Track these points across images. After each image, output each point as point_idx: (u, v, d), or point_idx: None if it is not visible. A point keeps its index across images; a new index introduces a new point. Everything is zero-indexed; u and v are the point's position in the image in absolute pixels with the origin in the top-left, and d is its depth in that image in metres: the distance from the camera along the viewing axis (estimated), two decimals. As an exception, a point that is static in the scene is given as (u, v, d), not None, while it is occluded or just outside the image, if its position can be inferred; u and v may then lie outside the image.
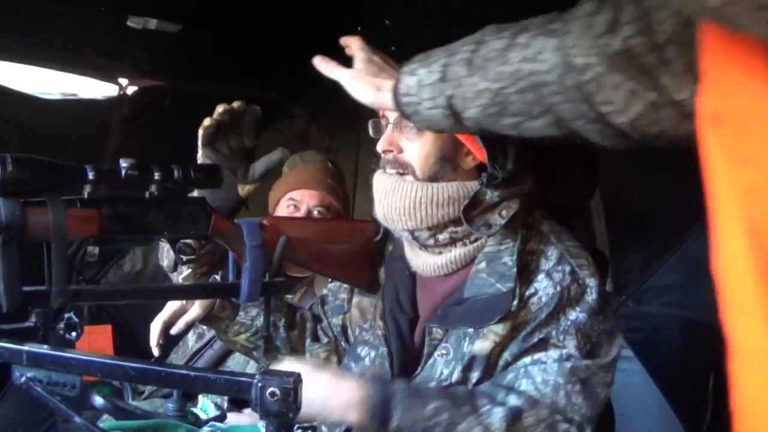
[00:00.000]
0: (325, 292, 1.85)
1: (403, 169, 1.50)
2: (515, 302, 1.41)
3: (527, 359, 1.41)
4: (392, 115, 1.51)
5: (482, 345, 1.43)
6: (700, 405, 2.48)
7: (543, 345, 1.41)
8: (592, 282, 1.44)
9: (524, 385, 1.39)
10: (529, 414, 1.35)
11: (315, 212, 2.41)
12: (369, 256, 1.69)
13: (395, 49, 2.96)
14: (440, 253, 1.53)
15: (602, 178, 1.86)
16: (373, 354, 1.59)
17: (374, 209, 1.57)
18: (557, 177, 1.70)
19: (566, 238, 1.52)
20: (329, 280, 1.83)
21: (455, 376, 1.44)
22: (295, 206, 2.43)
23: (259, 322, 1.72)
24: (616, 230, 2.79)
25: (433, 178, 1.48)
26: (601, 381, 1.42)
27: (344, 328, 1.75)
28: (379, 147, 1.53)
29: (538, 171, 1.58)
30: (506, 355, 1.43)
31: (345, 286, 1.78)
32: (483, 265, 1.48)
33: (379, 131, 1.57)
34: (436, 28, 2.60)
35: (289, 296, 2.25)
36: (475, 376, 1.43)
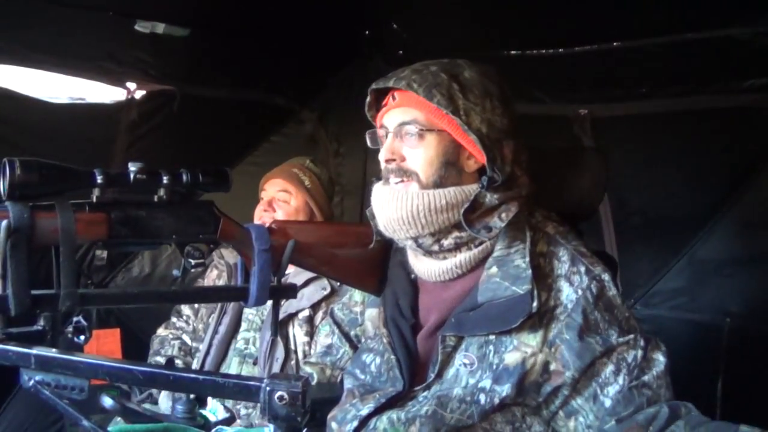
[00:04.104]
0: (335, 308, 1.86)
1: (407, 177, 1.48)
2: (535, 303, 1.39)
3: (609, 374, 1.41)
4: (391, 125, 1.50)
5: (513, 357, 1.42)
6: (708, 408, 2.46)
7: (606, 356, 1.41)
8: (606, 276, 1.46)
9: (638, 398, 1.41)
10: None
11: (278, 198, 2.52)
12: (379, 261, 1.69)
13: (402, 53, 2.98)
14: (445, 258, 1.52)
15: (611, 183, 1.85)
16: (378, 360, 1.59)
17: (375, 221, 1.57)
18: (567, 183, 1.70)
19: (572, 239, 1.52)
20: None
21: (483, 385, 1.43)
22: (264, 197, 2.56)
23: None
24: (624, 234, 2.79)
25: (437, 183, 1.47)
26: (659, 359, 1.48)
27: (359, 340, 1.75)
28: (382, 156, 1.51)
29: (548, 177, 1.59)
30: (571, 373, 1.41)
31: (356, 299, 1.78)
32: (495, 269, 1.47)
33: (376, 142, 1.56)
34: (444, 31, 2.60)
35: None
36: (505, 389, 1.41)
